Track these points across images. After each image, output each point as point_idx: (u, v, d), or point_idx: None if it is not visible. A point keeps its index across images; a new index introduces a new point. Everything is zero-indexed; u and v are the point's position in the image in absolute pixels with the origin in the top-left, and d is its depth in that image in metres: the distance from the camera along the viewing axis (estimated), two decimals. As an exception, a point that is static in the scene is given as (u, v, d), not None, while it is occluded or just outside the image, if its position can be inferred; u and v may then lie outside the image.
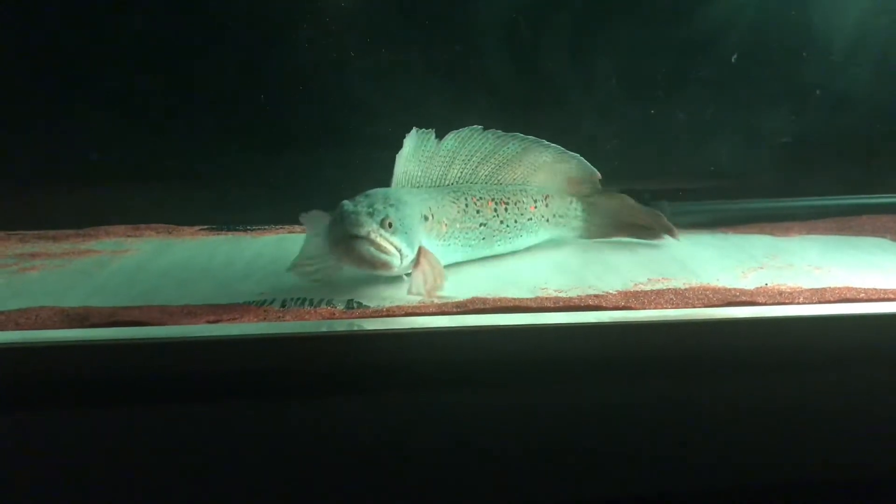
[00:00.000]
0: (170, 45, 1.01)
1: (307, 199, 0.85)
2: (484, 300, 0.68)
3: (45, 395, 0.59)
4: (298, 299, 0.70)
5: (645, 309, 0.67)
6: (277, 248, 0.93)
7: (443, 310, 0.66)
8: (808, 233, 1.03)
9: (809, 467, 0.66)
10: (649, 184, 1.10)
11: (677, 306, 0.68)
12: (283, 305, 0.68)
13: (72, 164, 1.01)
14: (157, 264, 0.84)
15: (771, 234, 1.03)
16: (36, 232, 0.97)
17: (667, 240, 0.94)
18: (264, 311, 0.66)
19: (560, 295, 0.71)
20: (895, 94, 1.10)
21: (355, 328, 0.62)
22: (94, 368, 0.59)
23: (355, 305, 0.68)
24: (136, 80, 1.00)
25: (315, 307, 0.68)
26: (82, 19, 0.98)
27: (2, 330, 0.62)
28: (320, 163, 1.02)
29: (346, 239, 0.67)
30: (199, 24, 1.01)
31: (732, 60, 1.05)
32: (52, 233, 0.97)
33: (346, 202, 0.69)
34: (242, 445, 0.61)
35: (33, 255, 0.86)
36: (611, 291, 0.72)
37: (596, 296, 0.70)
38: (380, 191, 0.73)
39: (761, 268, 0.83)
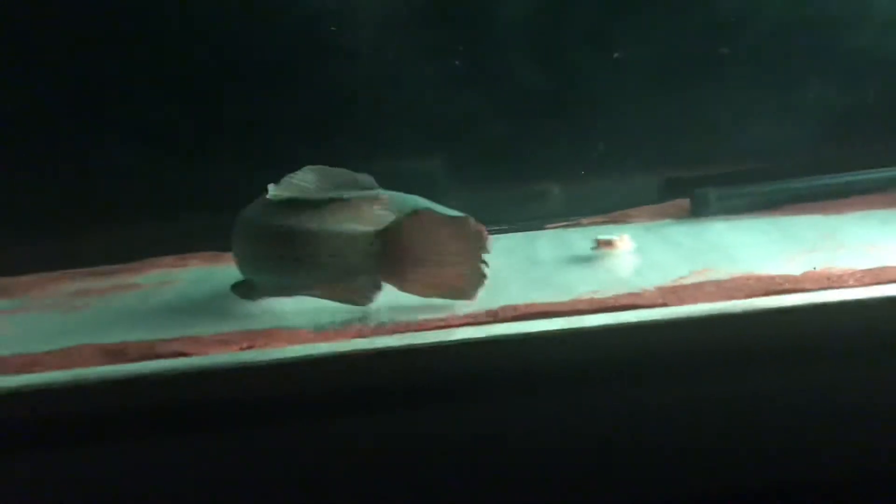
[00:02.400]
0: (202, 77, 1.03)
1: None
2: (515, 307, 0.66)
3: (89, 432, 0.61)
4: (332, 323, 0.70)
5: (683, 304, 0.65)
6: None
7: (476, 320, 0.65)
8: (867, 208, 0.97)
9: (875, 460, 0.62)
10: (689, 171, 1.07)
11: (717, 299, 0.65)
12: (316, 329, 0.69)
13: (116, 198, 1.05)
14: (198, 293, 0.85)
15: (823, 212, 0.98)
16: (86, 269, 1.00)
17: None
18: (296, 334, 0.67)
19: (595, 296, 0.69)
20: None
21: (395, 344, 0.61)
22: (133, 402, 0.60)
23: (386, 321, 0.68)
24: (171, 110, 1.03)
25: (348, 325, 0.68)
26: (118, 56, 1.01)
27: (46, 370, 0.64)
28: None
29: None
30: (237, 51, 1.03)
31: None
32: (101, 269, 1.00)
33: None
34: (289, 469, 0.61)
35: (82, 293, 0.88)
36: (648, 288, 0.70)
37: (631, 294, 0.68)
38: None
39: (811, 251, 0.79)
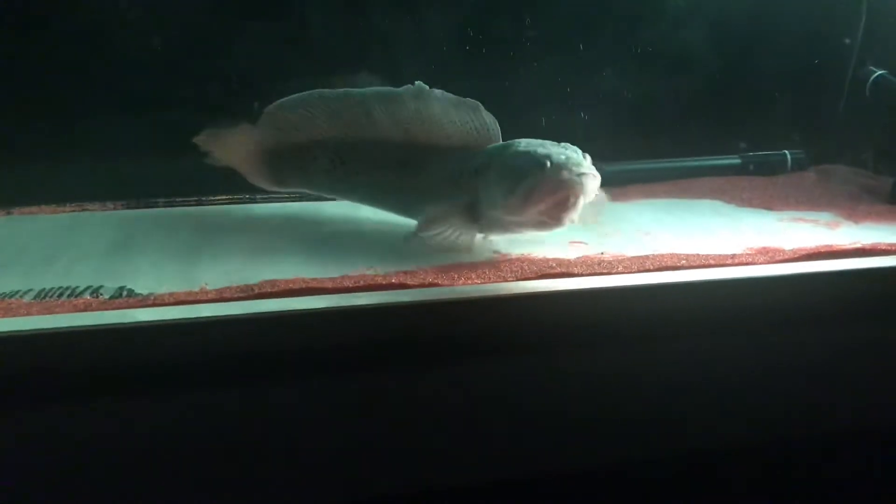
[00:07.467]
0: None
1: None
2: (273, 282, 0.60)
3: None
4: (59, 289, 0.60)
5: (454, 285, 0.62)
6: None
7: (223, 296, 0.58)
8: (647, 197, 1.00)
9: (638, 441, 0.63)
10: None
11: (489, 280, 0.63)
12: (39, 297, 0.59)
13: None
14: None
15: (612, 200, 0.99)
16: None
17: None
18: (8, 304, 0.56)
19: (368, 273, 0.64)
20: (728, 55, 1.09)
21: (104, 322, 0.53)
22: None
23: (125, 294, 0.60)
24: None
25: (74, 297, 0.58)
26: None
27: None
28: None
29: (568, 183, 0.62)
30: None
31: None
32: None
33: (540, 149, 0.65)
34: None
35: None
36: (424, 267, 0.66)
37: (404, 272, 0.64)
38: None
39: (600, 236, 0.79)
